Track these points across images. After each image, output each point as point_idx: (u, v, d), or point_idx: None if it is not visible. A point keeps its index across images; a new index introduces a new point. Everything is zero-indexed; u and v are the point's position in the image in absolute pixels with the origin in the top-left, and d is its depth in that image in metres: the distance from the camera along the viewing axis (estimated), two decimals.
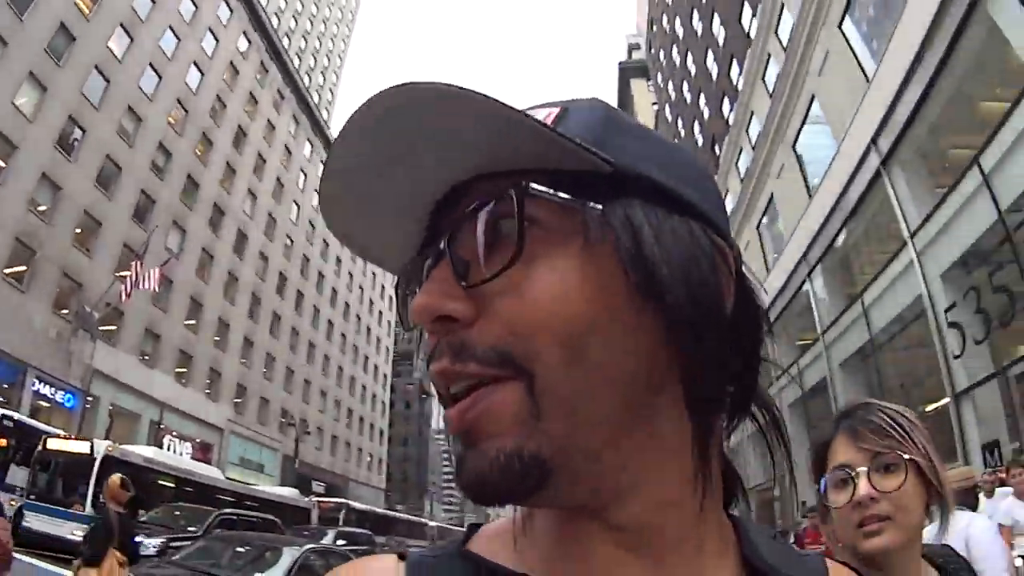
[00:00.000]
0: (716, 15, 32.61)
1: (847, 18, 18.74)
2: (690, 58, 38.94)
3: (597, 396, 0.53)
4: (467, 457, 0.53)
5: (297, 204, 58.76)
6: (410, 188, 0.58)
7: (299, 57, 67.57)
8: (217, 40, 46.68)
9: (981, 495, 7.35)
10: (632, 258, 0.54)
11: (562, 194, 0.54)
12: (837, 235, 19.83)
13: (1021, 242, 12.62)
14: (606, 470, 0.55)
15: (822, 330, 20.98)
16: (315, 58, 74.84)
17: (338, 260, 67.82)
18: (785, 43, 22.73)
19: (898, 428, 1.60)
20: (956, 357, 14.36)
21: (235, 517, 19.21)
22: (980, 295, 13.87)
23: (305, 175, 61.13)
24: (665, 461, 0.58)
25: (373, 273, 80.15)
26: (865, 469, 1.55)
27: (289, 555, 11.08)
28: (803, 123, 22.38)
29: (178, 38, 42.01)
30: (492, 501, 0.53)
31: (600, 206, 0.54)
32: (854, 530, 1.53)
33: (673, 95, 44.12)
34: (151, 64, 39.20)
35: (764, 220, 27.54)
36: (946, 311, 14.75)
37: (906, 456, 1.56)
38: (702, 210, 0.59)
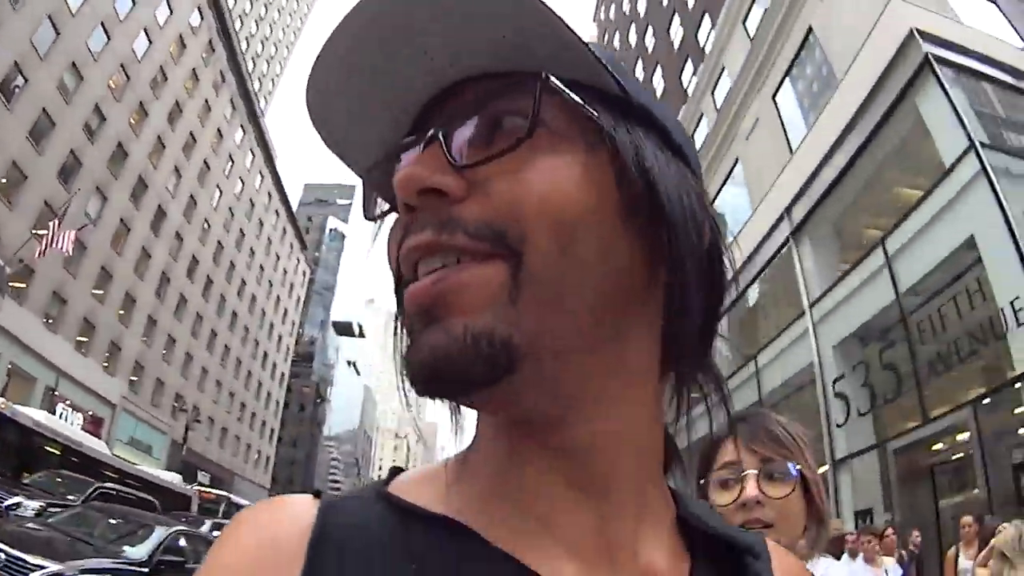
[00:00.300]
0: (659, 67, 33.86)
1: (785, 89, 19.71)
2: None
3: (579, 294, 0.54)
4: (427, 333, 0.52)
5: (220, 189, 58.24)
6: (407, 80, 0.58)
7: (247, 42, 67.63)
8: (171, 10, 46.44)
9: (845, 553, 8.21)
10: (639, 170, 0.55)
11: (576, 97, 0.55)
12: (739, 297, 20.62)
13: (914, 325, 13.50)
14: (572, 376, 0.56)
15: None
16: (263, 45, 74.93)
17: (251, 252, 67.37)
18: (719, 105, 23.79)
19: (792, 440, 1.63)
20: (839, 426, 15.23)
21: (114, 492, 19.23)
22: (869, 370, 14.76)
23: (232, 162, 60.68)
24: (627, 388, 0.59)
25: (284, 270, 79.98)
26: (755, 472, 1.57)
27: (159, 533, 11.43)
28: (723, 184, 23.47)
29: (133, 2, 41.72)
30: (446, 387, 0.52)
31: (608, 120, 0.56)
32: None
33: None
34: (102, 23, 38.76)
35: None
36: (834, 381, 15.63)
37: (797, 467, 1.59)
38: (688, 155, 0.63)
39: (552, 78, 0.54)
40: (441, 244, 0.52)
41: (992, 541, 7.70)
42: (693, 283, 0.58)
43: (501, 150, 0.53)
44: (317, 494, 0.60)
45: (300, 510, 0.57)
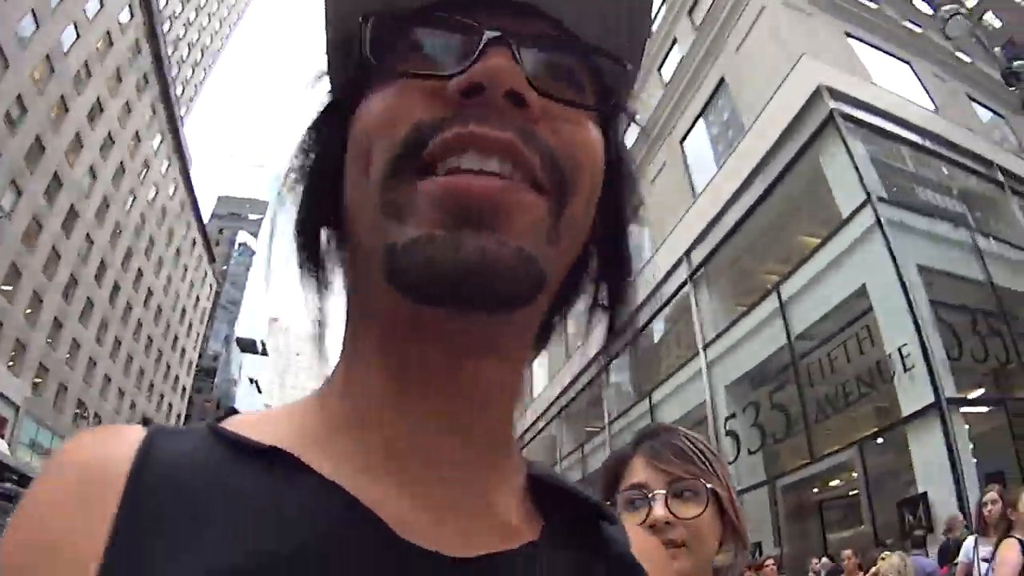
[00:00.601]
0: None
1: (693, 135, 20.92)
2: None
3: (579, 247, 0.61)
4: (477, 237, 0.50)
5: (134, 194, 58.01)
6: None
7: (174, 46, 67.47)
8: (102, 5, 46.53)
9: None
10: (632, 165, 0.67)
11: (630, 103, 0.63)
12: (636, 336, 21.74)
13: (804, 369, 14.56)
14: (539, 323, 0.64)
15: (609, 420, 22.95)
16: (189, 50, 74.76)
17: (160, 261, 67.06)
18: (629, 146, 24.97)
19: (701, 456, 1.60)
20: (730, 463, 16.02)
21: (13, 495, 19.57)
22: (759, 410, 15.79)
23: (148, 167, 60.60)
24: (527, 349, 0.65)
25: (191, 282, 79.47)
26: (663, 492, 1.53)
27: None
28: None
29: None
30: (486, 294, 0.51)
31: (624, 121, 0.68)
32: None
33: None
34: (33, 11, 38.73)
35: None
36: (726, 420, 16.69)
37: (708, 485, 1.56)
38: None
39: (629, 67, 0.62)
40: (521, 154, 0.53)
41: (875, 568, 8.68)
42: (628, 279, 0.72)
43: (587, 103, 0.59)
44: (146, 422, 0.61)
45: (125, 439, 0.56)
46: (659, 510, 1.51)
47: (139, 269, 61.28)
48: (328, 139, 0.64)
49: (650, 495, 1.54)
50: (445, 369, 0.58)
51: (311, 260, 0.67)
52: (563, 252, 0.57)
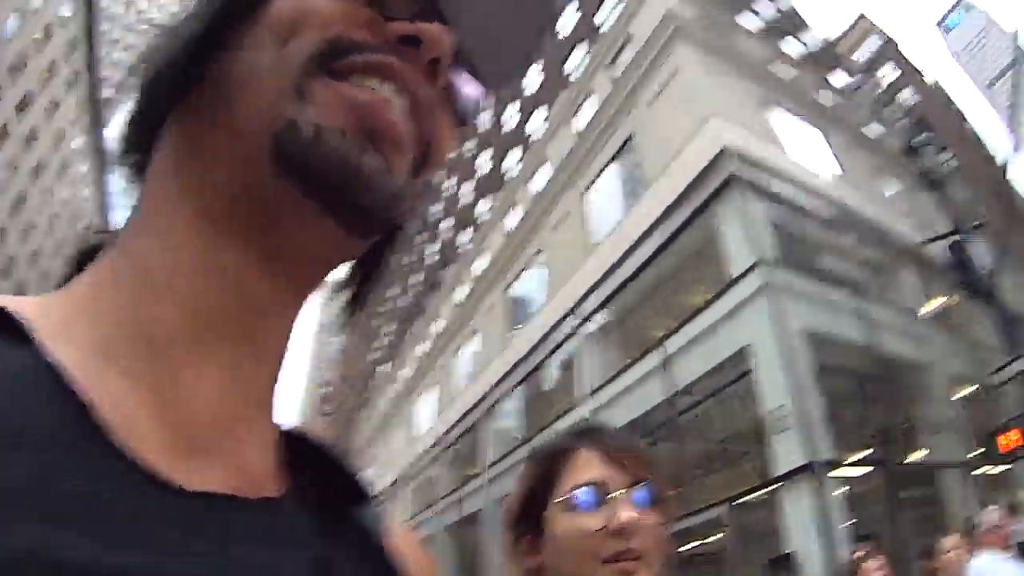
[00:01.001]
0: (487, 150, 34.81)
1: (597, 187, 21.40)
2: (447, 182, 41.52)
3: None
4: (377, 158, 0.52)
5: (51, 192, 56.88)
6: None
7: (111, 46, 66.79)
8: None
9: None
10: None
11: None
12: (521, 382, 22.54)
13: (683, 424, 14.95)
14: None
15: (489, 464, 23.24)
16: (125, 54, 73.98)
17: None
18: (535, 195, 25.32)
19: (651, 462, 1.42)
20: None
21: None
22: None
23: (66, 167, 59.13)
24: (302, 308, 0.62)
25: None
26: (627, 493, 1.32)
27: None
28: (523, 270, 25.00)
29: None
30: (373, 209, 0.52)
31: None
32: (596, 565, 1.27)
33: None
34: None
35: (464, 351, 29.75)
36: None
37: (668, 491, 1.40)
38: None
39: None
40: (425, 110, 0.57)
41: None
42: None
43: (464, 112, 0.63)
44: None
45: None
46: (627, 513, 1.28)
47: (46, 272, 59.91)
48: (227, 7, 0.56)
49: (614, 495, 1.32)
50: (268, 274, 0.55)
51: (150, 125, 0.59)
52: (413, 200, 0.60)
